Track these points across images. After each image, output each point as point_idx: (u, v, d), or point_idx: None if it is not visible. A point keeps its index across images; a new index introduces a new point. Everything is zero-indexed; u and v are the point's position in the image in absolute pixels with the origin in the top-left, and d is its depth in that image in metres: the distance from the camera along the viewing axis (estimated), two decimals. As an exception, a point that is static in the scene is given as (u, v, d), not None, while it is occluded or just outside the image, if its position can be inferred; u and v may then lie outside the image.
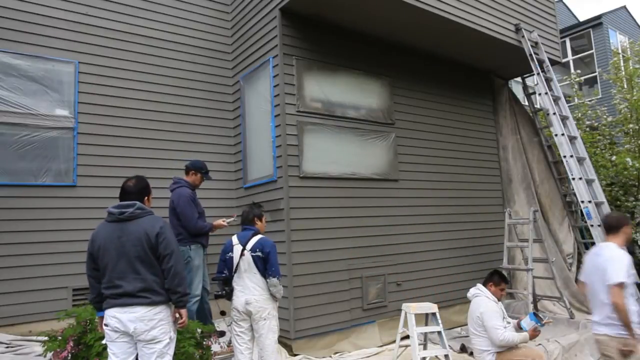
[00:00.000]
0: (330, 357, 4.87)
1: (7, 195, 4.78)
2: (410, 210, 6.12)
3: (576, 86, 11.93)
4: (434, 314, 4.32)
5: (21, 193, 4.86)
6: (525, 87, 8.32)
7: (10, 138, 4.87)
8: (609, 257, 3.25)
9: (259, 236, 3.60)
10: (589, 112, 10.44)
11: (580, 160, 6.29)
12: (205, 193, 5.38)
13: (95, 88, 5.40)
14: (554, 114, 6.40)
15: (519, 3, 6.81)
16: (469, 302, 4.43)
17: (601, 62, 13.57)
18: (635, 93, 9.47)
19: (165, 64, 5.90)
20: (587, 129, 10.10)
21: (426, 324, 4.46)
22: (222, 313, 3.67)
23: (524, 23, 6.79)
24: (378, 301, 5.51)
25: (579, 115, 10.18)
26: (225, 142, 6.22)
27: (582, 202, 6.01)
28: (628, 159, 8.89)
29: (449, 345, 4.52)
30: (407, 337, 4.30)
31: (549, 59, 7.01)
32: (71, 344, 3.36)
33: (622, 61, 11.69)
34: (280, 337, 4.05)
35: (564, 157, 6.25)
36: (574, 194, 6.54)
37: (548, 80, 6.76)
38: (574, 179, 6.11)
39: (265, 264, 3.48)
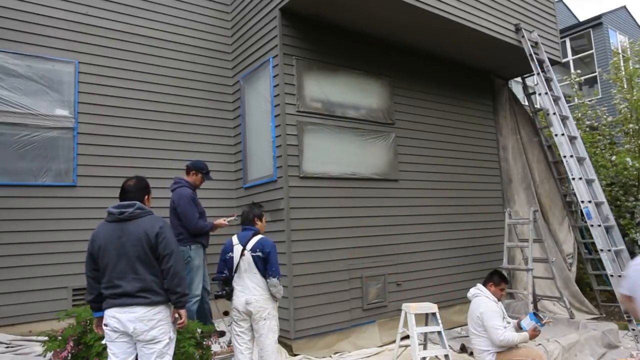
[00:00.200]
0: (330, 357, 4.87)
1: (7, 195, 4.78)
2: (410, 210, 6.12)
3: (576, 86, 11.92)
4: (434, 314, 4.32)
5: (21, 193, 4.86)
6: (525, 87, 8.32)
7: (10, 138, 4.87)
8: None
9: (259, 236, 3.61)
10: (589, 112, 10.44)
11: (580, 160, 6.29)
12: (206, 193, 5.38)
13: (95, 88, 5.40)
14: (554, 114, 6.40)
15: (519, 3, 6.81)
16: (469, 302, 4.43)
17: (601, 62, 13.57)
18: (635, 93, 9.46)
19: (165, 64, 5.90)
20: (587, 129, 10.09)
21: (426, 324, 4.46)
22: (226, 313, 3.67)
23: (524, 23, 6.79)
24: (378, 301, 5.51)
25: (579, 115, 10.17)
26: (225, 142, 6.22)
27: (582, 202, 6.01)
28: (628, 159, 8.89)
29: (449, 345, 4.52)
30: (407, 337, 4.30)
31: (549, 59, 7.01)
32: (71, 344, 3.36)
33: (622, 61, 11.68)
34: (280, 337, 4.05)
35: (564, 157, 6.25)
36: (574, 194, 6.54)
37: (548, 80, 6.76)
38: (574, 179, 6.11)
39: (266, 264, 3.48)
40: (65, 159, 5.13)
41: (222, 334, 4.79)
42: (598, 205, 6.06)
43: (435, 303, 4.46)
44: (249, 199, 5.36)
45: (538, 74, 6.62)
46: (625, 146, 9.60)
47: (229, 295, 3.55)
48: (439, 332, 4.24)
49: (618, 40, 14.47)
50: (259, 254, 3.48)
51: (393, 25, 5.79)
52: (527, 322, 4.16)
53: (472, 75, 7.43)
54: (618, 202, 8.84)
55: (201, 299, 4.65)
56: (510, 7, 6.63)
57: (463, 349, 5.04)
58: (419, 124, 6.44)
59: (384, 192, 5.86)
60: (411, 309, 4.26)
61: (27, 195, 4.88)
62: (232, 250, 3.57)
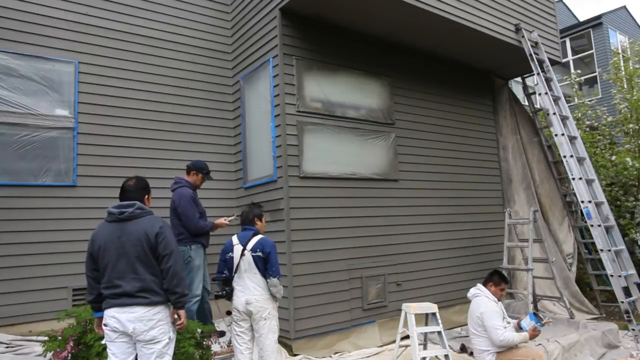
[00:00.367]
0: (330, 357, 4.87)
1: (7, 195, 4.78)
2: (410, 210, 6.12)
3: (576, 86, 11.92)
4: (434, 314, 4.32)
5: (21, 193, 4.86)
6: (525, 87, 8.32)
7: (10, 138, 4.87)
8: None
9: (259, 236, 3.61)
10: (589, 112, 10.44)
11: (580, 160, 6.29)
12: (206, 193, 5.38)
13: (95, 88, 5.40)
14: (554, 114, 6.39)
15: (519, 3, 6.81)
16: (469, 302, 4.43)
17: (601, 62, 13.57)
18: (635, 93, 9.46)
19: (165, 64, 5.90)
20: (587, 129, 10.09)
21: (426, 324, 4.46)
22: (228, 313, 3.66)
23: (524, 23, 6.79)
24: (378, 301, 5.51)
25: (579, 115, 10.17)
26: (225, 142, 6.22)
27: (582, 202, 6.01)
28: (628, 159, 8.88)
29: (449, 345, 4.52)
30: (407, 337, 4.30)
31: (549, 59, 7.01)
32: (71, 344, 3.36)
33: (622, 61, 11.68)
34: (280, 337, 4.05)
35: (564, 157, 6.24)
36: (574, 194, 6.54)
37: (548, 80, 6.76)
38: (574, 179, 6.11)
39: (266, 264, 3.49)
40: (65, 159, 5.13)
41: (222, 334, 4.79)
42: (598, 205, 6.06)
43: (435, 303, 4.46)
44: (249, 199, 5.36)
45: (538, 74, 6.62)
46: (625, 146, 9.60)
47: (229, 295, 3.55)
48: (439, 332, 4.24)
49: (618, 40, 14.47)
50: (259, 254, 3.48)
51: (393, 25, 5.79)
52: (527, 322, 4.16)
53: (472, 75, 7.43)
54: (618, 202, 8.84)
55: (201, 299, 4.65)
56: (510, 7, 6.63)
57: (463, 349, 5.04)
58: (419, 124, 6.44)
59: (384, 192, 5.86)
60: (411, 309, 4.26)
61: (27, 195, 4.88)
62: (232, 250, 3.57)
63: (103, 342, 2.91)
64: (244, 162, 5.96)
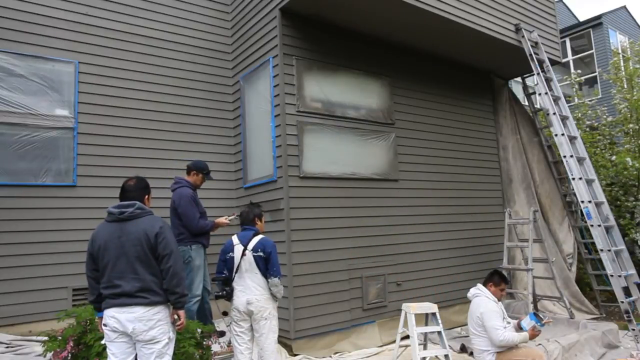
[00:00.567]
0: (330, 357, 4.87)
1: (7, 195, 4.78)
2: (410, 210, 6.12)
3: (576, 86, 11.92)
4: (434, 314, 4.32)
5: (21, 193, 4.86)
6: (525, 87, 8.32)
7: (10, 138, 4.87)
8: None
9: (260, 236, 3.62)
10: (589, 112, 10.44)
11: (580, 160, 6.29)
12: (206, 193, 5.38)
13: (95, 88, 5.40)
14: (554, 114, 6.40)
15: (519, 3, 6.81)
16: (469, 302, 4.43)
17: (601, 62, 13.57)
18: (635, 93, 9.46)
19: (165, 64, 5.90)
20: (587, 129, 10.09)
21: (426, 324, 4.46)
22: (224, 313, 3.66)
23: (524, 23, 6.79)
24: (378, 301, 5.51)
25: (579, 115, 10.17)
26: (225, 142, 6.22)
27: (582, 202, 6.01)
28: (628, 159, 8.88)
29: (449, 345, 4.52)
30: (407, 337, 4.30)
31: (549, 59, 7.01)
32: (71, 344, 3.36)
33: (622, 61, 11.68)
34: (280, 337, 4.05)
35: (564, 157, 6.24)
36: (574, 194, 6.54)
37: (548, 80, 6.76)
38: (574, 179, 6.11)
39: (267, 264, 3.50)
40: (65, 159, 5.13)
41: (222, 334, 4.79)
42: (598, 205, 6.06)
43: (435, 303, 4.46)
44: (249, 199, 5.35)
45: (538, 74, 6.62)
46: (625, 146, 9.60)
47: (229, 295, 3.55)
48: (439, 332, 4.24)
49: (618, 40, 14.46)
50: (261, 253, 3.50)
51: (393, 25, 5.79)
52: (527, 322, 4.16)
53: (472, 75, 7.43)
54: (618, 202, 8.84)
55: (202, 299, 4.65)
56: (510, 7, 6.63)
57: (463, 349, 5.04)
58: (419, 124, 6.44)
59: (384, 192, 5.86)
60: (411, 309, 4.26)
61: (27, 195, 4.88)
62: (232, 250, 3.57)
63: (103, 342, 2.91)
64: (244, 162, 5.96)
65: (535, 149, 7.78)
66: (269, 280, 3.48)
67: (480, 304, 4.19)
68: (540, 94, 6.73)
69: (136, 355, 2.81)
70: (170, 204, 4.69)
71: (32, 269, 4.79)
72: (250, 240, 3.56)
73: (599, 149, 9.76)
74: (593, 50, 14.12)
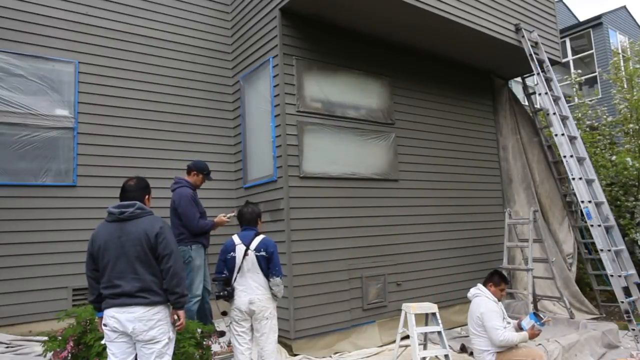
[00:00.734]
0: (330, 357, 4.87)
1: (7, 195, 4.78)
2: (410, 210, 6.12)
3: (576, 86, 11.92)
4: (434, 314, 4.32)
5: (21, 193, 4.86)
6: (525, 87, 8.32)
7: (10, 138, 4.87)
8: None
9: (262, 236, 3.64)
10: (589, 112, 10.44)
11: (580, 160, 6.29)
12: (206, 193, 5.38)
13: (95, 88, 5.40)
14: (554, 114, 6.39)
15: (519, 3, 6.81)
16: (469, 302, 4.43)
17: (601, 62, 13.57)
18: (635, 93, 9.46)
19: (165, 64, 5.90)
20: (587, 129, 10.09)
21: (426, 324, 4.46)
22: (224, 313, 3.67)
23: (524, 23, 6.79)
24: (378, 301, 5.51)
25: (579, 115, 10.17)
26: (225, 142, 6.22)
27: (582, 202, 6.01)
28: (628, 159, 8.88)
29: (449, 345, 4.52)
30: (407, 337, 4.30)
31: (549, 59, 7.01)
32: (71, 344, 3.36)
33: (622, 61, 11.68)
34: (280, 337, 4.05)
35: (564, 157, 6.25)
36: (574, 194, 6.54)
37: (548, 80, 6.76)
38: (574, 179, 6.11)
39: (269, 264, 3.52)
40: (65, 159, 5.13)
41: (222, 334, 4.78)
42: (598, 205, 6.06)
43: (435, 303, 4.46)
44: (250, 199, 5.35)
45: (538, 74, 6.62)
46: (625, 146, 9.60)
47: (230, 295, 3.55)
48: (439, 332, 4.24)
49: (618, 40, 14.46)
50: (263, 253, 3.52)
51: (393, 25, 5.79)
52: (527, 322, 4.16)
53: (472, 75, 7.43)
54: (618, 202, 8.84)
55: (202, 299, 4.65)
56: (510, 7, 6.63)
57: (463, 349, 5.04)
58: (419, 124, 6.44)
59: (384, 192, 5.86)
60: (411, 309, 4.26)
61: (27, 195, 4.88)
62: (234, 250, 3.56)
63: (103, 342, 2.91)
64: (244, 162, 5.96)
65: (535, 149, 7.78)
66: (271, 279, 3.50)
67: (481, 304, 4.19)
68: (540, 94, 6.73)
69: (136, 355, 2.81)
70: (170, 204, 4.69)
71: (32, 269, 4.79)
72: (252, 240, 3.57)
73: (599, 149, 9.77)
74: (593, 50, 14.12)
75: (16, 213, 4.80)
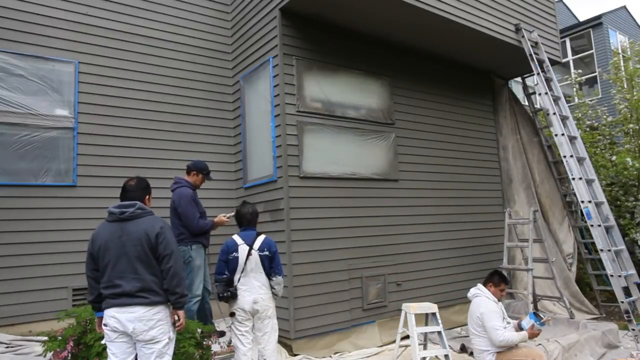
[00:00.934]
0: (330, 357, 4.87)
1: (7, 195, 4.78)
2: (410, 210, 6.12)
3: (576, 86, 11.92)
4: (434, 314, 4.32)
5: (21, 193, 4.86)
6: (525, 87, 8.32)
7: (10, 138, 4.87)
8: None
9: (264, 236, 3.68)
10: (589, 112, 10.44)
11: (580, 160, 6.29)
12: (206, 193, 5.38)
13: (95, 88, 5.40)
14: (554, 114, 6.40)
15: (519, 3, 6.81)
16: (469, 302, 4.43)
17: (601, 62, 13.57)
18: (635, 93, 9.47)
19: (165, 64, 5.90)
20: (587, 129, 10.09)
21: (426, 324, 4.46)
22: (232, 314, 3.66)
23: (524, 23, 6.79)
24: (378, 301, 5.51)
25: (579, 115, 10.18)
26: (225, 142, 6.22)
27: (582, 202, 6.01)
28: (628, 159, 8.89)
29: (449, 345, 4.52)
30: (407, 337, 4.31)
31: (549, 59, 7.01)
32: (71, 344, 3.36)
33: (622, 61, 11.68)
34: (280, 337, 4.05)
35: (564, 157, 6.25)
36: (574, 194, 6.54)
37: (548, 80, 6.76)
38: (574, 179, 6.11)
39: (271, 263, 3.57)
40: (65, 159, 5.13)
41: (222, 334, 4.78)
42: (598, 205, 6.06)
43: (435, 303, 4.46)
44: (250, 199, 5.35)
45: (538, 74, 6.62)
46: (625, 146, 9.60)
47: (234, 296, 3.56)
48: (439, 332, 4.24)
49: (618, 40, 14.46)
50: (267, 253, 3.56)
51: (393, 25, 5.79)
52: (527, 322, 4.16)
53: (472, 75, 7.43)
54: (618, 202, 8.84)
55: (202, 299, 4.65)
56: (510, 7, 6.63)
57: (463, 349, 5.04)
58: (419, 124, 6.44)
59: (384, 192, 5.86)
60: (411, 309, 4.26)
61: (27, 195, 4.88)
62: (236, 250, 3.57)
63: (103, 342, 2.91)
64: (244, 162, 5.96)
65: (535, 149, 7.78)
66: (273, 278, 3.55)
67: (480, 304, 4.19)
68: (540, 94, 6.73)
69: (136, 355, 2.81)
70: (170, 204, 4.69)
71: (32, 269, 4.79)
72: (255, 239, 3.59)
73: (599, 149, 9.77)
74: (593, 50, 14.12)
75: (16, 213, 4.80)
